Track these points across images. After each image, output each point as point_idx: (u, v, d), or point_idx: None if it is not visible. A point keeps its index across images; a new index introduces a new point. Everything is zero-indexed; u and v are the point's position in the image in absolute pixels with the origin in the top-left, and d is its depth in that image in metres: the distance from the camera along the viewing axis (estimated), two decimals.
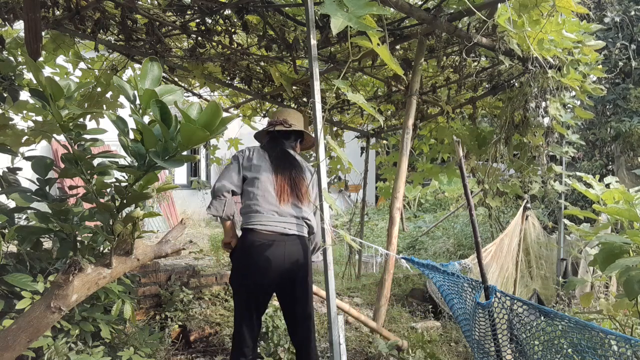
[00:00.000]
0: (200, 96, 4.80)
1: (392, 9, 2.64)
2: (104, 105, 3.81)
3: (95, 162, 1.68)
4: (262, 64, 3.93)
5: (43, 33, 2.79)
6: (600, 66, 3.67)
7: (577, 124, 4.12)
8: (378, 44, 1.75)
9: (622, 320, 2.66)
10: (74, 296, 1.43)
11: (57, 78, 1.82)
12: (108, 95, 3.82)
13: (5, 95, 2.75)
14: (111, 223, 1.56)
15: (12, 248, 2.32)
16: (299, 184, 2.61)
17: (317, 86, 2.10)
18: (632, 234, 2.07)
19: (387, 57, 1.81)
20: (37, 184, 2.01)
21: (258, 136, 2.90)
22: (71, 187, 2.01)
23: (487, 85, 4.25)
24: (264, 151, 2.67)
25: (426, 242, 8.32)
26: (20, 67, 2.97)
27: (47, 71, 3.52)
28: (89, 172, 1.63)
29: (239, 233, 2.61)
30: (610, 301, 2.84)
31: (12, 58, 3.07)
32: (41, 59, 3.05)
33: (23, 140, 3.03)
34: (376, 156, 6.37)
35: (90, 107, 3.63)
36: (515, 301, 2.22)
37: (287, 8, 2.91)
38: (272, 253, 2.44)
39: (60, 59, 3.58)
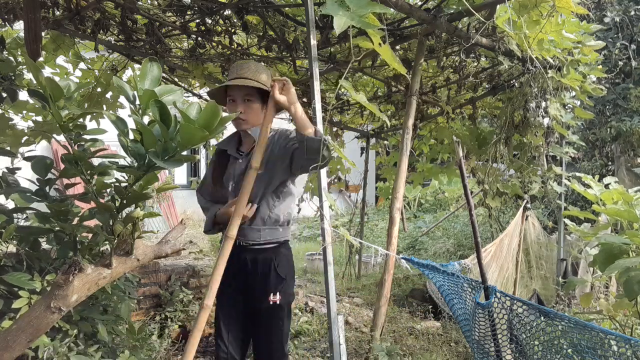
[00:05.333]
0: (200, 96, 4.80)
1: (392, 9, 2.64)
2: (104, 106, 3.81)
3: (95, 162, 1.68)
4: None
5: (43, 33, 2.79)
6: (600, 66, 3.67)
7: (577, 124, 4.12)
8: (380, 44, 1.75)
9: (622, 321, 2.66)
10: (74, 296, 1.43)
11: (57, 78, 1.82)
12: (108, 95, 3.82)
13: (5, 95, 2.75)
14: (111, 223, 1.56)
15: (12, 249, 2.32)
16: None
17: (317, 86, 2.10)
18: (631, 235, 2.07)
19: (389, 56, 1.81)
20: (37, 184, 2.01)
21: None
22: (67, 187, 2.01)
23: (487, 86, 4.25)
24: None
25: (426, 243, 8.32)
26: (20, 67, 2.97)
27: (47, 71, 3.52)
28: (88, 172, 1.63)
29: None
30: (610, 301, 2.84)
31: (12, 58, 3.07)
32: (41, 59, 3.05)
33: (23, 141, 3.04)
34: (376, 156, 6.38)
35: (90, 107, 3.64)
36: (515, 301, 2.22)
37: (287, 8, 2.92)
38: None
39: (60, 59, 3.58)
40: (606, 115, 7.89)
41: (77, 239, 2.11)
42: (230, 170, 2.18)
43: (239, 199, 1.83)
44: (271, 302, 2.10)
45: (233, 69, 2.14)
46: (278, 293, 2.12)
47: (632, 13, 7.44)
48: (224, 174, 2.20)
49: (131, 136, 1.47)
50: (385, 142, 6.19)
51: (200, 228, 10.02)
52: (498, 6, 2.72)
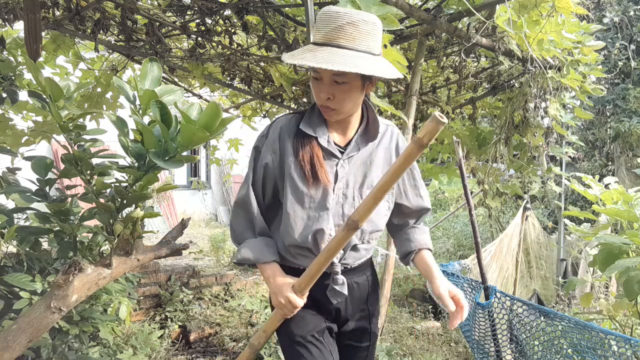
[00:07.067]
0: (200, 96, 4.80)
1: (394, 9, 2.64)
2: (104, 106, 3.81)
3: (95, 162, 1.68)
4: (262, 64, 3.93)
5: (43, 33, 2.79)
6: (600, 66, 3.67)
7: (576, 124, 4.12)
8: (385, 45, 1.74)
9: (622, 321, 2.66)
10: (74, 296, 1.43)
11: (57, 78, 1.82)
12: (108, 95, 3.82)
13: (5, 96, 2.75)
14: (111, 223, 1.56)
15: (12, 249, 2.32)
16: None
17: None
18: (631, 235, 2.07)
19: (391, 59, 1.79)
20: (37, 184, 2.01)
21: None
22: (68, 187, 2.01)
23: (487, 86, 4.25)
24: None
25: None
26: (20, 67, 2.97)
27: (47, 71, 3.52)
28: (88, 172, 1.63)
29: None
30: (610, 301, 2.84)
31: (12, 58, 3.07)
32: (41, 59, 3.05)
33: (23, 141, 3.04)
34: None
35: (90, 107, 3.63)
36: (515, 301, 2.22)
37: (287, 8, 2.92)
38: None
39: (61, 60, 3.58)
40: (605, 115, 7.90)
41: (77, 239, 2.11)
42: (326, 168, 1.42)
43: (325, 257, 1.30)
44: (379, 327, 1.64)
45: (323, 20, 1.26)
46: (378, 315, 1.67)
47: (632, 13, 7.44)
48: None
49: (131, 136, 1.47)
50: None
51: (200, 228, 10.02)
52: (498, 6, 2.72)
